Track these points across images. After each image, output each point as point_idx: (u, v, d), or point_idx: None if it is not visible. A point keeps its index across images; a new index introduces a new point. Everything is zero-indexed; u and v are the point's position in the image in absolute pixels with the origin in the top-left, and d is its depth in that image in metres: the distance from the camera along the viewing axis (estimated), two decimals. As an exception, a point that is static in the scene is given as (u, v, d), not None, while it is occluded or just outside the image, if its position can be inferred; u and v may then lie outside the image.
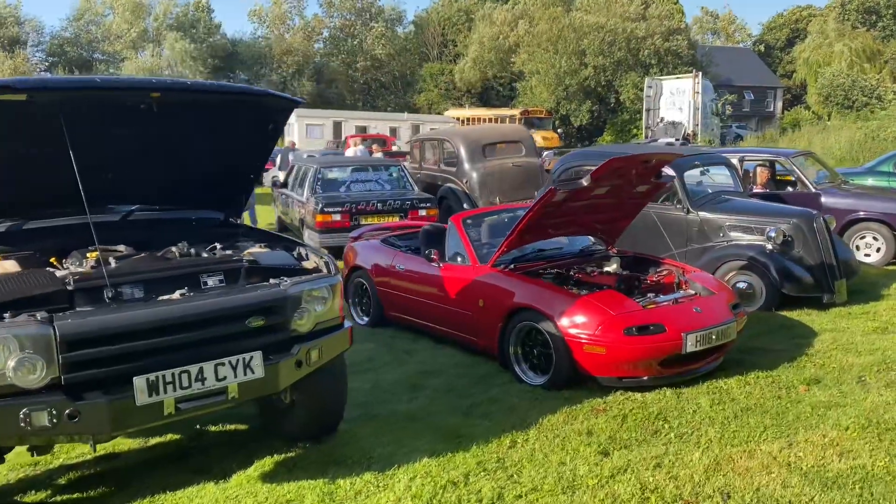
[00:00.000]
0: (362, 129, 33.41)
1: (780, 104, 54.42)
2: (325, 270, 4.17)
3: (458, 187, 12.93)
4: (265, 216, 15.65)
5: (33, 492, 4.07)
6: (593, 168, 5.49)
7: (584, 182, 5.49)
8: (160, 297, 3.60)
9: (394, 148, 27.82)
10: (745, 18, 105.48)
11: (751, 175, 10.32)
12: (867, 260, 9.34)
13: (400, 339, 6.87)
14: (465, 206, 12.29)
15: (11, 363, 3.10)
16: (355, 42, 56.84)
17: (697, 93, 30.09)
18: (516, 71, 46.13)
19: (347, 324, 4.24)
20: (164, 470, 4.25)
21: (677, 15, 43.00)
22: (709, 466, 4.00)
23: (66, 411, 3.16)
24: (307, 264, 4.26)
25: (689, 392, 5.15)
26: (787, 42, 58.33)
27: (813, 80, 41.99)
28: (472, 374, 5.82)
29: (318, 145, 30.47)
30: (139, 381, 3.29)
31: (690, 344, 5.17)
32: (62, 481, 4.19)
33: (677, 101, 30.92)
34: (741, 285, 7.39)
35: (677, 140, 26.62)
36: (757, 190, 9.97)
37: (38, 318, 3.19)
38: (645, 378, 5.21)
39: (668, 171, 7.80)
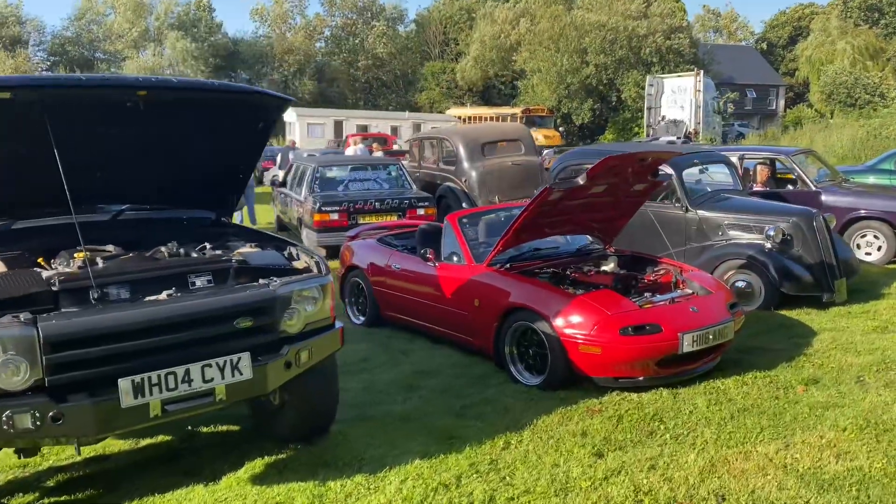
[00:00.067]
0: (363, 128, 33.39)
1: (782, 102, 54.33)
2: (315, 270, 4.12)
3: (457, 186, 12.88)
4: (264, 215, 15.63)
5: (21, 494, 4.02)
6: (591, 166, 5.44)
7: (580, 180, 5.44)
8: (147, 298, 3.56)
9: (395, 147, 27.77)
10: (748, 16, 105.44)
11: (751, 173, 10.26)
12: (868, 258, 9.27)
13: (396, 340, 6.82)
14: (464, 204, 12.24)
15: (-6, 365, 3.06)
16: (357, 41, 56.79)
17: (699, 91, 30.06)
18: (518, 69, 46.08)
19: (339, 324, 4.19)
20: (155, 472, 4.20)
21: (679, 13, 42.92)
22: (704, 468, 3.95)
23: (50, 414, 3.12)
24: (298, 264, 4.21)
25: (685, 392, 5.10)
26: (789, 40, 58.22)
27: (815, 77, 41.91)
28: (467, 374, 5.78)
29: (320, 144, 30.46)
30: (124, 383, 3.25)
31: (687, 344, 5.12)
32: (51, 483, 4.15)
33: (679, 99, 30.89)
34: (740, 284, 7.33)
35: (679, 138, 26.59)
36: (757, 188, 9.91)
37: (22, 319, 3.14)
38: (641, 378, 5.16)
39: (666, 169, 7.77)
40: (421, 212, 11.02)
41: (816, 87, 41.21)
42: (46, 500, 3.98)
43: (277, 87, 53.89)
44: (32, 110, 3.48)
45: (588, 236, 6.73)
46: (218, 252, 4.14)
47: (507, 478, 3.94)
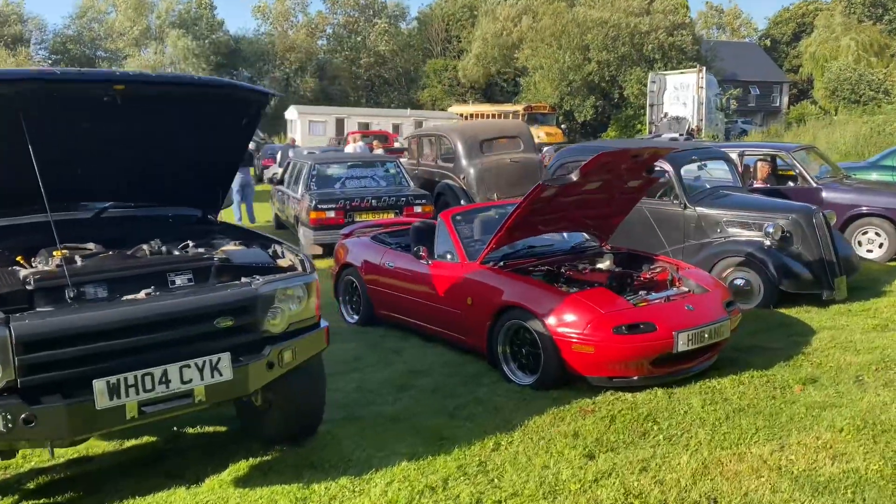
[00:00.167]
0: (365, 126, 33.29)
1: (786, 99, 54.13)
2: (300, 269, 4.03)
3: (456, 183, 12.79)
4: (263, 213, 15.56)
5: (0, 497, 3.95)
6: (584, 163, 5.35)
7: (574, 177, 5.36)
8: (125, 297, 3.48)
9: (396, 144, 27.68)
10: (751, 13, 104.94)
11: (751, 170, 10.16)
12: (869, 256, 9.16)
13: (389, 338, 6.74)
14: (462, 202, 12.15)
15: (-36, 365, 2.99)
16: (359, 38, 56.65)
17: (701, 88, 29.90)
18: (520, 66, 45.93)
19: (324, 323, 4.10)
20: (137, 474, 4.13)
21: (682, 9, 42.69)
22: (696, 470, 3.86)
23: (22, 416, 3.04)
24: (282, 262, 4.13)
25: (680, 392, 5.01)
26: (793, 36, 57.97)
27: (819, 74, 41.70)
28: (460, 373, 5.69)
29: (321, 142, 30.39)
30: (99, 384, 3.17)
31: (682, 343, 5.03)
32: (31, 486, 4.07)
33: (681, 96, 30.74)
34: (739, 282, 7.24)
35: (681, 135, 26.42)
36: (757, 185, 9.81)
37: (-7, 319, 3.07)
38: (635, 378, 5.07)
39: (664, 165, 7.68)
40: (418, 209, 10.94)
41: (820, 84, 41.00)
42: (25, 503, 3.91)
43: (279, 84, 53.86)
44: (6, 105, 3.40)
45: (584, 234, 6.65)
46: (200, 250, 4.05)
47: (496, 480, 3.86)
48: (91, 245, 3.96)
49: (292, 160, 13.79)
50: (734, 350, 5.76)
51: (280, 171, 14.45)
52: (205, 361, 3.44)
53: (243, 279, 3.79)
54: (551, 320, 5.10)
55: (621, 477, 3.81)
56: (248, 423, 4.54)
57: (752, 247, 7.27)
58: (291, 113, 36.27)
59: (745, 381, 5.17)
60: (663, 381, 5.12)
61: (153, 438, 4.62)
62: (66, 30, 56.15)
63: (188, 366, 3.40)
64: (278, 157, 21.37)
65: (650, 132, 30.65)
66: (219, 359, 3.47)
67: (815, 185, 9.48)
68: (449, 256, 6.19)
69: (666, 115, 30.79)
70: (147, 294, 3.51)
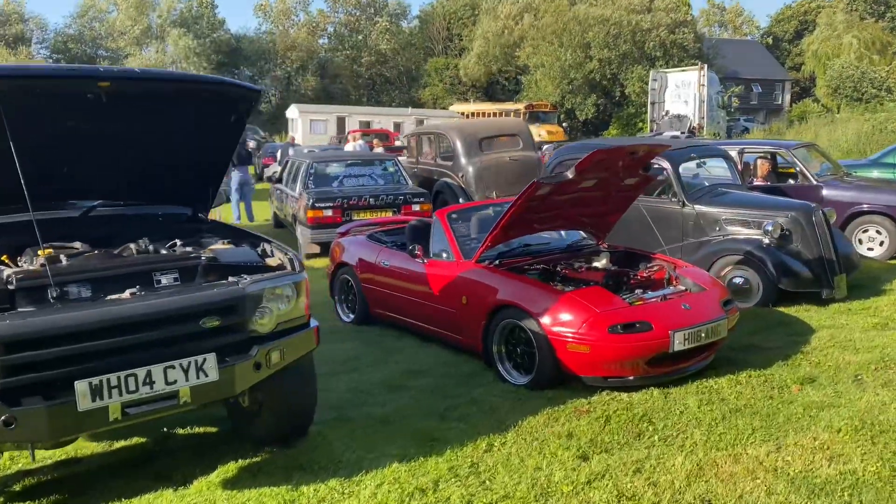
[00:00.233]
0: (366, 125, 33.23)
1: (788, 97, 53.97)
2: (289, 268, 3.98)
3: (455, 182, 12.73)
4: (263, 212, 15.52)
5: (-15, 499, 3.91)
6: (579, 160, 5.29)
7: (569, 174, 5.30)
8: (109, 297, 3.43)
9: (397, 143, 27.61)
10: (753, 11, 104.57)
11: (751, 168, 10.09)
12: (870, 254, 9.09)
13: (385, 338, 6.69)
14: (460, 200, 12.08)
15: (-57, 367, 2.94)
16: (360, 37, 56.55)
17: (703, 85, 29.76)
18: (521, 65, 45.82)
19: (314, 323, 4.05)
20: (125, 475, 4.09)
21: (683, 7, 42.54)
22: (691, 472, 3.80)
23: (2, 418, 2.99)
24: (271, 261, 4.08)
25: (677, 392, 4.95)
26: (795, 34, 57.78)
27: (822, 72, 41.56)
28: (455, 373, 5.64)
29: (322, 141, 30.33)
30: (81, 386, 3.12)
31: (678, 342, 4.97)
32: (17, 488, 4.02)
33: (682, 93, 30.59)
34: (737, 280, 7.18)
35: (683, 133, 26.31)
36: (757, 182, 9.74)
37: (-28, 319, 3.02)
38: (631, 378, 5.01)
39: (662, 163, 7.62)
40: (416, 208, 10.88)
41: (823, 82, 40.86)
42: (11, 506, 3.87)
43: (280, 83, 53.86)
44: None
45: (581, 232, 6.59)
46: (187, 249, 4.00)
47: (487, 482, 3.80)
48: (78, 244, 3.92)
49: (290, 158, 13.73)
50: (732, 349, 5.70)
51: (279, 169, 14.39)
52: (190, 362, 3.39)
53: (230, 278, 3.74)
54: (546, 319, 5.05)
55: (614, 478, 3.75)
56: (238, 424, 4.49)
57: (751, 245, 7.21)
58: (292, 112, 36.23)
59: (743, 380, 5.11)
60: (659, 380, 5.06)
61: (143, 439, 4.57)
62: (67, 29, 56.16)
63: (173, 367, 3.34)
64: (278, 155, 21.30)
65: (651, 130, 30.54)
66: (204, 359, 3.42)
67: (815, 182, 9.41)
68: (444, 255, 6.13)
69: (667, 113, 30.63)
70: (132, 294, 3.45)
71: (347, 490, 3.75)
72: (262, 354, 3.63)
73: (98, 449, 4.48)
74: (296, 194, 11.47)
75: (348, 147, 19.60)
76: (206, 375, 3.42)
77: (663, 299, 5.38)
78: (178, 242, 4.08)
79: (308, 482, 3.83)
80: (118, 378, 3.21)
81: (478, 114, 36.21)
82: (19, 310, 3.25)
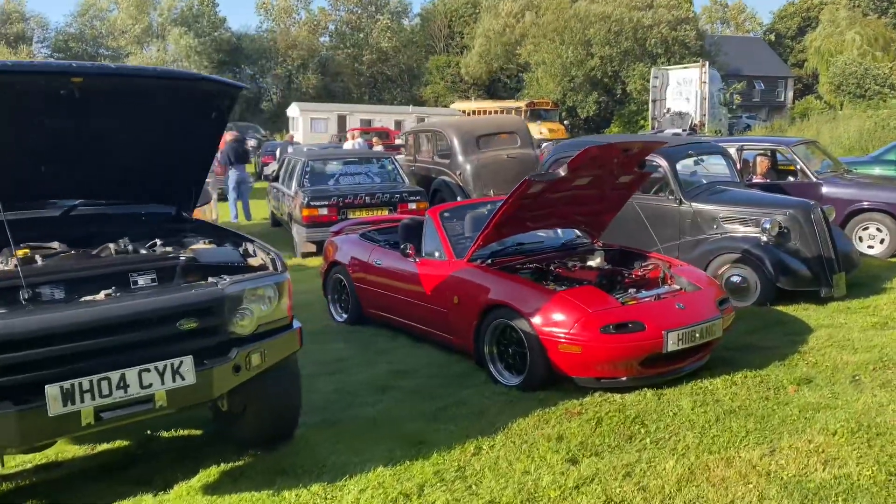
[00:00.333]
0: (367, 123, 33.18)
1: (791, 94, 53.77)
2: (272, 268, 3.89)
3: (452, 180, 12.63)
4: (261, 211, 15.45)
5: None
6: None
7: (562, 172, 5.21)
8: (83, 298, 3.34)
9: (397, 141, 27.51)
10: (755, 7, 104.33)
11: (751, 165, 9.98)
12: (870, 252, 8.99)
13: (377, 338, 6.60)
14: (458, 198, 11.99)
15: None
16: (361, 35, 56.44)
17: (704, 82, 29.60)
18: (522, 63, 45.70)
19: (297, 324, 3.96)
20: (105, 480, 4.01)
21: (685, 4, 42.40)
22: (682, 476, 3.71)
23: (-31, 423, 2.92)
24: (253, 261, 3.99)
25: (670, 393, 4.86)
26: (797, 31, 57.57)
27: (824, 69, 41.34)
28: (445, 374, 5.55)
29: (323, 139, 30.25)
30: (52, 390, 3.03)
31: (672, 342, 4.88)
32: (-6, 493, 3.96)
33: (684, 91, 30.42)
34: (735, 279, 7.08)
35: (684, 130, 26.20)
36: (756, 180, 9.63)
37: (-60, 322, 2.94)
38: (624, 378, 4.91)
39: (659, 161, 7.52)
40: (412, 206, 10.79)
41: (825, 79, 40.65)
42: (-12, 511, 3.79)
43: (281, 81, 53.78)
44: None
45: (576, 230, 6.49)
46: (167, 249, 3.92)
47: (473, 486, 3.72)
48: (55, 244, 3.84)
49: (287, 156, 13.65)
50: (728, 349, 5.60)
51: (276, 166, 14.31)
52: (166, 365, 3.30)
53: (210, 279, 3.65)
54: (537, 319, 4.95)
55: (603, 483, 3.67)
56: (222, 427, 4.41)
57: (749, 243, 7.10)
58: (293, 110, 36.17)
59: (738, 381, 5.01)
60: (653, 381, 4.97)
61: (126, 442, 4.49)
62: (67, 28, 56.07)
63: (148, 370, 3.26)
64: (277, 153, 21.21)
65: (653, 128, 30.42)
66: (181, 362, 3.34)
67: (815, 179, 9.30)
68: (436, 254, 6.05)
69: (669, 110, 30.50)
70: (107, 295, 3.37)
71: (330, 495, 3.67)
72: (242, 357, 3.55)
73: (80, 452, 4.40)
74: (291, 192, 11.40)
75: (347, 145, 19.51)
76: (183, 378, 3.34)
77: (657, 299, 5.29)
78: (159, 242, 3.99)
79: (290, 487, 3.75)
80: (90, 382, 3.13)
81: (479, 112, 36.11)
82: (-11, 312, 3.16)
